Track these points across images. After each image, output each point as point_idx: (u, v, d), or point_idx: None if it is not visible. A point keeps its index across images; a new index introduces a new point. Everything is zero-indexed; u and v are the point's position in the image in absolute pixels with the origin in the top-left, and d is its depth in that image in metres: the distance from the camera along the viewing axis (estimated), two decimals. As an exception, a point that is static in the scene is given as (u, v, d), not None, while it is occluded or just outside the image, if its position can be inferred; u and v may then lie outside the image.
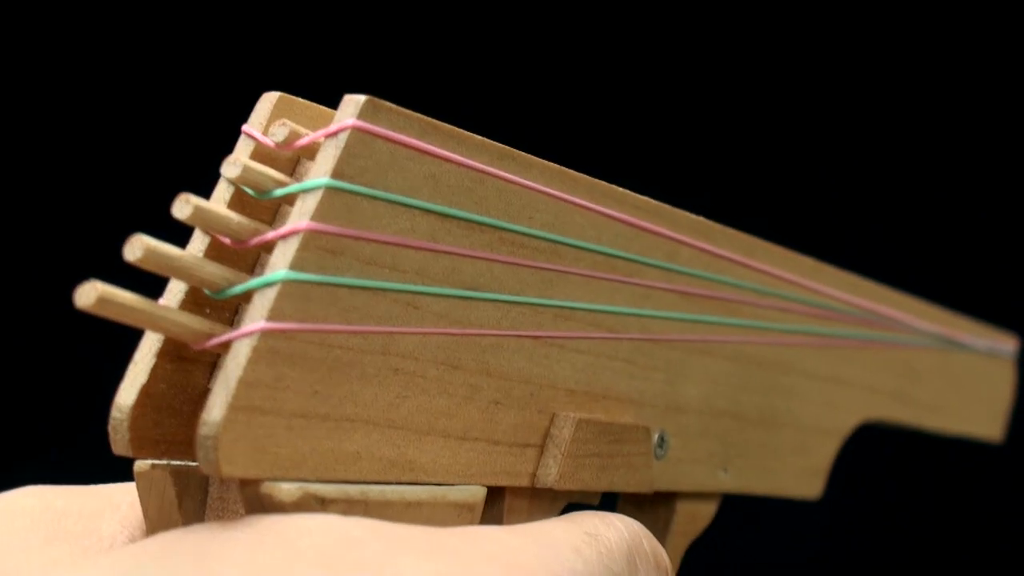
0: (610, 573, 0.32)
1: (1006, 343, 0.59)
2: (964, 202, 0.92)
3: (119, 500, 0.35)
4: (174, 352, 0.32)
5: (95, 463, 0.40)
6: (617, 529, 0.34)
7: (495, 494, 0.36)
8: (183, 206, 0.30)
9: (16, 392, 0.89)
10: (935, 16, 0.91)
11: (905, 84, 0.92)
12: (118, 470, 0.36)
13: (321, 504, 0.30)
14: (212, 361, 0.32)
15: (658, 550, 0.35)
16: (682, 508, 0.43)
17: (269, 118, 0.34)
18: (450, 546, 0.30)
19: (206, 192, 0.33)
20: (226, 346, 0.30)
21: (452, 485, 0.34)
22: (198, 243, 0.33)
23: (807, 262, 0.47)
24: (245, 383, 0.29)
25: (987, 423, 0.59)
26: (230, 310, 0.32)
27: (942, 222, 0.92)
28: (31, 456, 0.86)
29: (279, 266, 0.30)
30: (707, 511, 0.44)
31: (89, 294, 0.28)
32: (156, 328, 0.30)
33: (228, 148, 0.33)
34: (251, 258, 0.33)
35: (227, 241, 0.32)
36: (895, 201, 0.92)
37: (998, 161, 0.92)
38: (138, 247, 0.29)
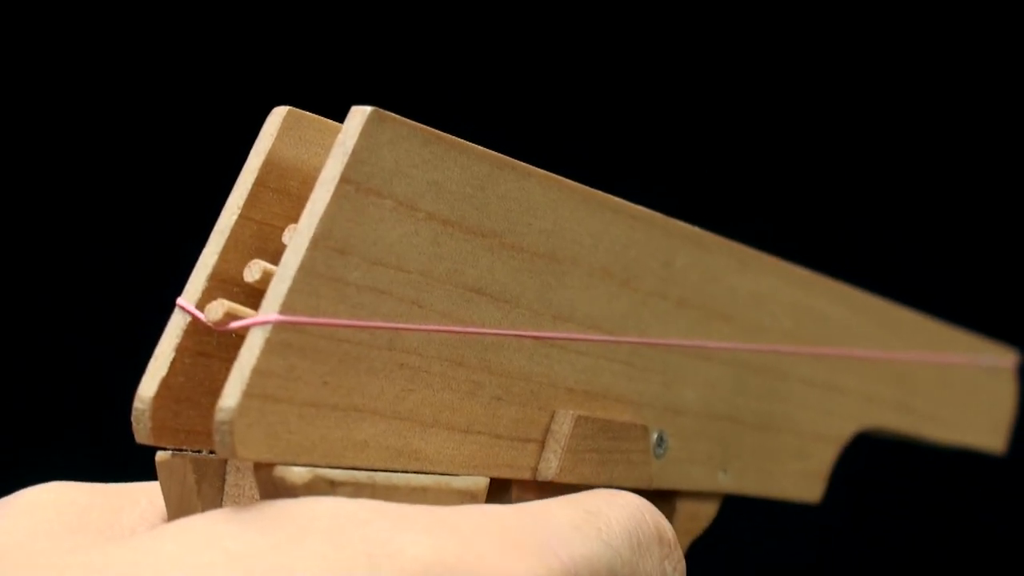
0: (609, 549, 0.33)
1: (1006, 357, 0.61)
2: (965, 214, 0.93)
3: (139, 496, 0.36)
4: (193, 348, 0.34)
5: (108, 469, 0.42)
6: (620, 507, 0.35)
7: (503, 487, 0.38)
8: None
9: (25, 393, 0.90)
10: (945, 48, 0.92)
11: (898, 91, 0.93)
12: (129, 474, 0.39)
13: (331, 487, 0.32)
14: (228, 356, 0.34)
15: (662, 524, 0.36)
16: (682, 507, 0.44)
17: (279, 132, 0.36)
18: (450, 522, 0.31)
19: (214, 200, 0.35)
20: (242, 338, 0.32)
21: (456, 475, 0.36)
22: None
23: (801, 272, 0.48)
24: (259, 372, 0.31)
25: (989, 434, 0.60)
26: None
27: (942, 234, 0.93)
28: (42, 457, 0.87)
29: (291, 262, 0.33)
30: (708, 511, 0.46)
31: (217, 310, 0.33)
32: None
33: (241, 160, 0.35)
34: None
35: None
36: (896, 213, 0.93)
37: (999, 175, 0.93)
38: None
